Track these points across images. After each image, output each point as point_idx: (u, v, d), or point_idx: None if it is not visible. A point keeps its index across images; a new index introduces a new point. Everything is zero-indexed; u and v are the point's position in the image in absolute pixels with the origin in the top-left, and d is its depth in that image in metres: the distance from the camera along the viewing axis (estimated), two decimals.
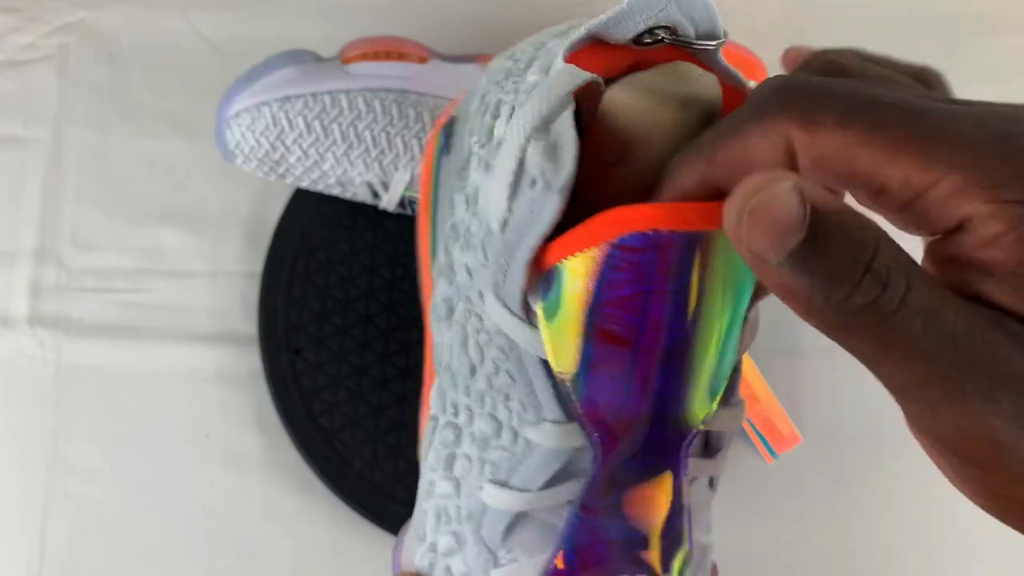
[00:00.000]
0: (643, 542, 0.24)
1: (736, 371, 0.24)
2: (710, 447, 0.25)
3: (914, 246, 0.17)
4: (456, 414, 0.25)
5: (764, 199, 0.15)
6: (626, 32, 0.20)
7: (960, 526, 0.42)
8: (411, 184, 0.42)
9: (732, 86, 0.22)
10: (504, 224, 0.21)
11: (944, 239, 0.15)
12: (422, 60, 0.42)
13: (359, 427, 0.43)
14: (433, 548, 0.26)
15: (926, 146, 0.15)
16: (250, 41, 0.47)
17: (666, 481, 0.23)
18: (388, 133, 0.40)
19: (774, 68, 0.20)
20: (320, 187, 0.43)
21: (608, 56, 0.21)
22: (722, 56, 0.21)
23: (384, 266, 0.45)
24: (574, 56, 0.21)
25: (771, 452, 0.43)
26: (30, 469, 0.42)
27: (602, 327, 0.20)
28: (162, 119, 0.48)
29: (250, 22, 0.49)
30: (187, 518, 0.42)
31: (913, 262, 0.15)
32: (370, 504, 0.42)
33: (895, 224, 0.17)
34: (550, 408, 0.22)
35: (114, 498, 0.42)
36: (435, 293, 0.26)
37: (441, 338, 0.26)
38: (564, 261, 0.19)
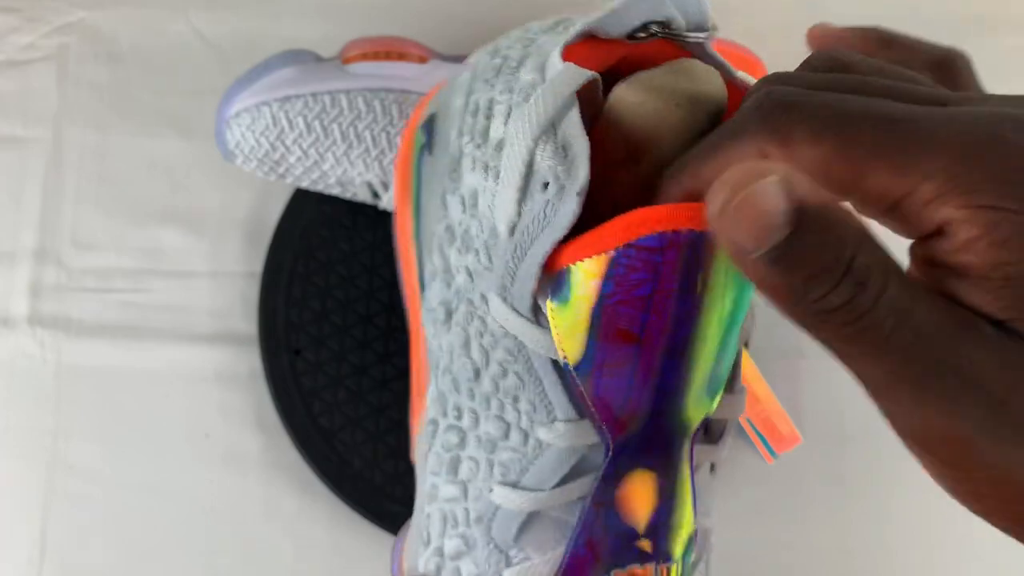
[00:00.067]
0: (637, 533, 0.24)
1: (737, 360, 0.24)
2: (711, 433, 0.25)
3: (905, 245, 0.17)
4: (459, 417, 0.25)
5: (751, 192, 0.15)
6: (622, 28, 0.21)
7: (960, 526, 0.42)
8: None
9: (729, 80, 0.22)
10: (513, 227, 0.21)
11: (925, 241, 0.16)
12: (422, 60, 0.42)
13: (359, 427, 0.43)
14: (440, 552, 0.26)
15: (900, 155, 0.15)
16: (250, 41, 0.47)
17: (648, 478, 0.23)
18: (388, 133, 0.40)
19: (774, 68, 0.20)
20: (320, 187, 0.43)
21: (601, 50, 0.22)
22: (711, 47, 0.22)
23: (384, 266, 0.45)
24: (567, 52, 0.21)
25: (771, 452, 0.43)
26: (30, 469, 0.42)
27: (614, 325, 0.20)
28: (162, 119, 0.48)
29: (250, 22, 0.49)
30: (187, 518, 0.42)
31: (891, 261, 0.15)
32: (370, 504, 0.42)
33: (885, 226, 0.17)
34: (562, 407, 0.22)
35: (114, 498, 0.42)
36: (429, 296, 0.26)
37: (439, 341, 0.25)
38: (578, 263, 0.19)
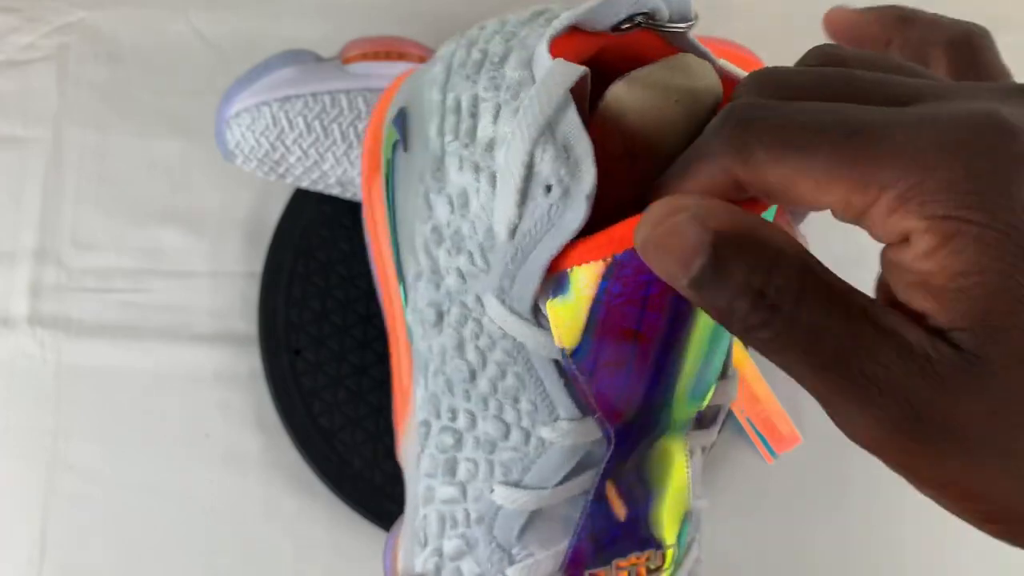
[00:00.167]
0: (639, 520, 0.24)
1: (728, 346, 0.24)
2: (704, 419, 0.25)
3: None
4: (454, 419, 0.25)
5: (666, 230, 0.16)
6: (609, 20, 0.20)
7: (960, 525, 0.42)
8: None
9: (717, 70, 0.22)
10: (513, 230, 0.21)
11: (893, 249, 0.16)
12: (422, 60, 0.42)
13: (359, 427, 0.43)
14: (438, 552, 0.26)
15: (858, 168, 0.15)
16: (250, 41, 0.47)
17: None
18: None
19: None
20: (320, 187, 0.43)
21: (583, 41, 0.21)
22: (693, 36, 0.22)
23: None
24: (554, 45, 0.21)
25: (771, 452, 0.43)
26: (30, 469, 0.42)
27: (610, 319, 0.20)
28: (162, 119, 0.48)
29: (250, 22, 0.49)
30: (187, 518, 0.42)
31: (808, 277, 0.15)
32: (370, 504, 0.42)
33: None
34: (564, 406, 0.22)
35: (114, 498, 0.42)
36: (415, 297, 0.26)
37: (428, 343, 0.25)
38: (583, 265, 0.19)
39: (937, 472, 0.16)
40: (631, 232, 0.18)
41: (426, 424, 0.26)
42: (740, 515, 0.43)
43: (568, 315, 0.20)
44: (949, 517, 0.19)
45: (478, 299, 0.23)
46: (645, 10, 0.20)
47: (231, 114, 0.40)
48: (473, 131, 0.22)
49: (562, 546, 0.24)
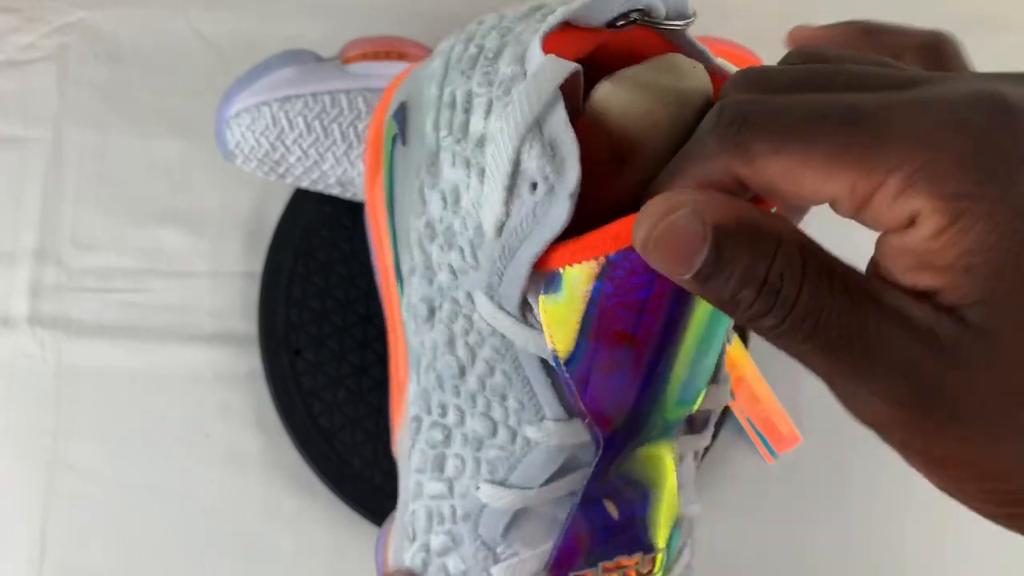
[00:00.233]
0: (634, 522, 0.24)
1: (721, 350, 0.24)
2: (695, 424, 0.25)
3: None
4: (444, 415, 0.25)
5: (666, 227, 0.16)
6: (603, 16, 0.20)
7: (960, 525, 0.42)
8: None
9: (710, 69, 0.22)
10: (500, 228, 0.21)
11: (896, 233, 0.16)
12: (422, 60, 0.42)
13: (359, 427, 0.43)
14: (426, 548, 0.26)
15: (864, 152, 0.15)
16: (250, 41, 0.47)
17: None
18: None
19: None
20: (320, 187, 0.43)
21: (578, 38, 0.21)
22: (691, 34, 0.21)
23: None
24: (548, 41, 0.20)
25: (771, 452, 0.43)
26: (30, 469, 0.42)
27: (610, 325, 0.20)
28: (162, 119, 0.48)
29: (250, 22, 0.49)
30: (187, 518, 0.42)
31: (810, 261, 0.16)
32: (370, 504, 0.42)
33: (861, 224, 0.17)
34: (550, 406, 0.22)
35: (114, 498, 0.42)
36: (409, 292, 0.26)
37: (420, 338, 0.25)
38: (574, 265, 0.19)
39: (949, 451, 0.15)
40: (624, 231, 0.18)
41: (417, 419, 0.26)
42: (740, 515, 0.43)
43: (562, 317, 0.20)
44: (949, 517, 0.18)
45: (468, 295, 0.23)
46: (640, 7, 0.20)
47: (231, 114, 0.40)
48: (466, 126, 0.22)
49: (547, 546, 0.24)
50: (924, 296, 0.15)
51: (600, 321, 0.20)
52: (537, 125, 0.19)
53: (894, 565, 0.44)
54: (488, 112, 0.21)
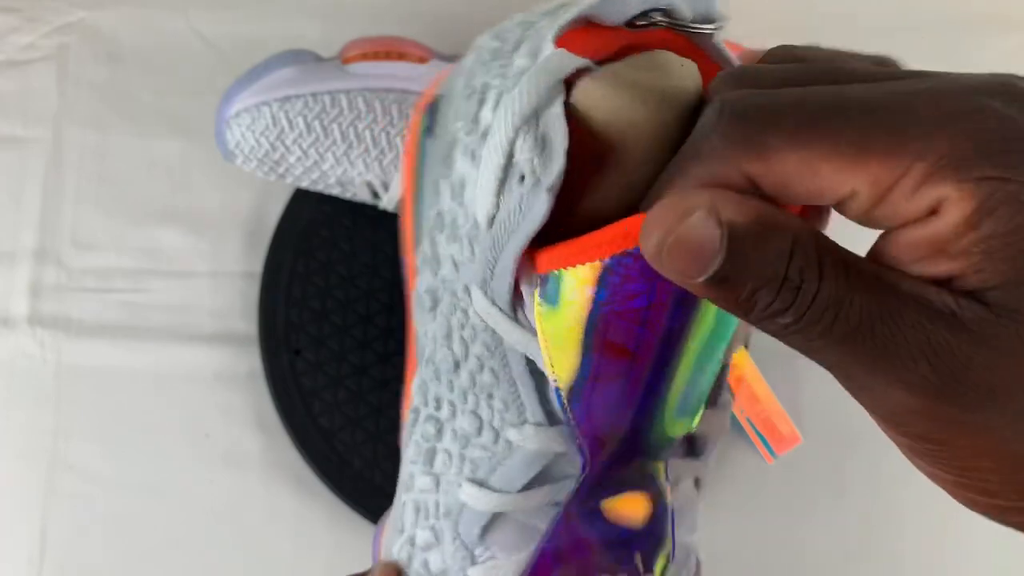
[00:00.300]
0: (625, 542, 0.23)
1: (722, 372, 0.23)
2: (695, 448, 0.24)
3: None
4: (438, 408, 0.25)
5: (682, 231, 0.15)
6: (620, 13, 0.20)
7: (960, 526, 0.42)
8: None
9: None
10: (491, 220, 0.20)
11: (911, 226, 0.15)
12: (422, 60, 0.42)
13: (359, 427, 0.43)
14: (411, 541, 0.26)
15: (887, 141, 0.15)
16: (250, 41, 0.47)
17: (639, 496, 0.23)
18: (388, 133, 0.40)
19: None
20: (320, 187, 0.43)
21: (599, 38, 0.20)
22: (720, 41, 0.21)
23: (384, 266, 0.45)
24: (564, 38, 0.20)
25: (771, 452, 0.43)
26: (30, 469, 0.42)
27: (605, 338, 0.19)
28: (162, 119, 0.48)
29: (250, 22, 0.49)
30: (187, 518, 0.42)
31: (827, 254, 0.15)
32: (370, 504, 0.42)
33: (859, 223, 0.16)
34: (533, 410, 0.22)
35: (114, 498, 0.42)
36: (419, 283, 0.26)
37: (424, 330, 0.25)
38: (568, 269, 0.19)
39: (973, 440, 0.15)
40: (619, 236, 0.18)
41: (416, 411, 0.26)
42: (740, 515, 0.43)
43: (558, 328, 0.20)
44: (949, 517, 0.18)
45: (467, 289, 0.23)
46: (660, 7, 0.19)
47: (231, 114, 0.40)
48: (476, 118, 0.22)
49: (524, 555, 0.23)
50: (943, 283, 0.15)
51: (601, 336, 0.19)
52: (534, 117, 0.19)
53: (893, 565, 0.44)
54: (497, 104, 0.21)
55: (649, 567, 0.24)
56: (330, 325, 0.44)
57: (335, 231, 0.45)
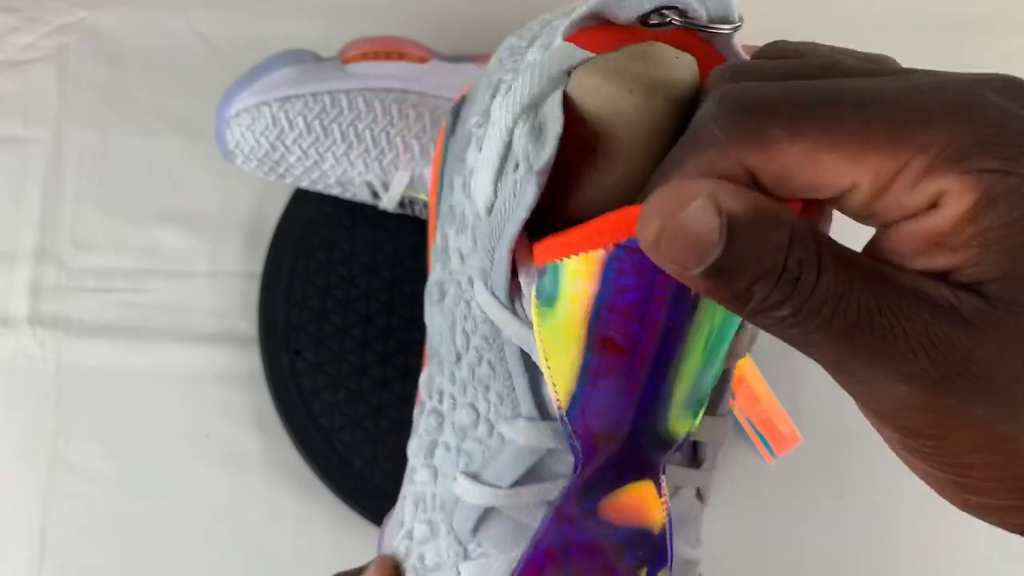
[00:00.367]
0: (621, 548, 0.23)
1: (725, 381, 0.23)
2: (696, 457, 0.24)
3: None
4: (440, 401, 0.25)
5: (681, 220, 0.15)
6: (631, 11, 0.19)
7: (960, 526, 0.42)
8: (411, 184, 0.42)
9: None
10: (490, 208, 0.20)
11: (911, 220, 0.15)
12: (422, 60, 0.42)
13: (359, 427, 0.43)
14: (410, 535, 0.26)
15: (888, 132, 0.15)
16: (250, 41, 0.47)
17: (647, 487, 0.23)
18: (388, 133, 0.40)
19: None
20: (320, 187, 0.43)
21: (614, 37, 0.20)
22: (737, 43, 0.20)
23: (384, 266, 0.45)
24: (577, 36, 0.20)
25: (771, 452, 0.43)
26: (30, 469, 0.42)
27: (602, 334, 0.19)
28: (162, 119, 0.48)
29: (250, 22, 0.49)
30: (187, 518, 0.42)
31: (826, 248, 0.15)
32: (370, 504, 0.42)
33: (856, 219, 0.16)
34: (526, 404, 0.22)
35: (114, 498, 0.42)
36: (431, 276, 0.26)
37: (432, 322, 0.25)
38: (564, 260, 0.19)
39: (971, 434, 0.15)
40: (613, 229, 0.18)
41: (421, 404, 0.26)
42: (740, 515, 0.43)
43: (556, 326, 0.20)
44: (948, 517, 0.18)
45: (471, 280, 0.23)
46: (673, 5, 0.19)
47: (231, 114, 0.40)
48: (488, 111, 0.22)
49: (515, 553, 0.23)
50: (940, 276, 0.15)
51: (600, 333, 0.19)
52: (534, 107, 0.19)
53: (893, 564, 0.44)
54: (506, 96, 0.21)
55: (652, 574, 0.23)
56: (330, 325, 0.44)
57: (335, 231, 0.45)
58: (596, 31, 0.20)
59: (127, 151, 0.47)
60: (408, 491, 0.27)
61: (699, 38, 0.20)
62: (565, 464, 0.22)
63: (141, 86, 0.48)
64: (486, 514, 0.24)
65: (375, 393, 0.43)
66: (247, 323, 0.44)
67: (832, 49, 0.18)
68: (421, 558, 0.26)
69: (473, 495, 0.23)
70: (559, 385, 0.21)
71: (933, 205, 0.15)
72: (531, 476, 0.23)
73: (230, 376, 0.44)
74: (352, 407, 0.43)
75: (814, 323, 0.15)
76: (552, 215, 0.19)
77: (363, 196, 0.43)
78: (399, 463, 0.43)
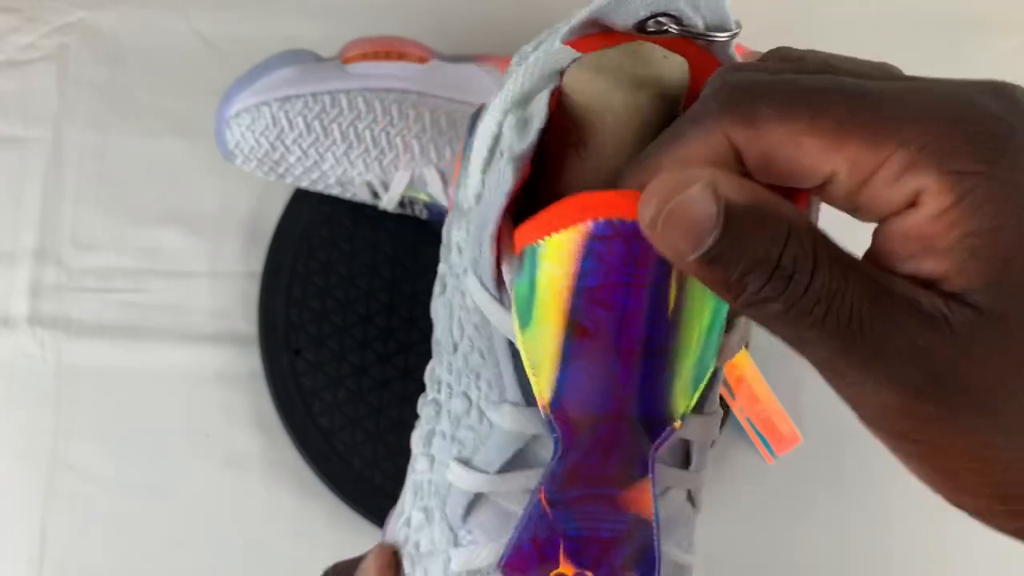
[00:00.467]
0: (607, 543, 0.23)
1: (714, 379, 0.23)
2: (686, 458, 0.24)
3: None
4: (439, 391, 0.25)
5: (679, 202, 0.15)
6: (627, 18, 0.20)
7: (960, 526, 0.42)
8: (411, 184, 0.42)
9: None
10: (479, 198, 0.21)
11: (895, 218, 0.15)
12: (422, 60, 0.42)
13: (359, 427, 0.43)
14: (408, 522, 0.26)
15: (872, 124, 0.15)
16: (250, 41, 0.47)
17: (637, 483, 0.23)
18: (388, 133, 0.40)
19: None
20: (320, 187, 0.43)
21: (612, 44, 0.21)
22: (735, 51, 0.21)
23: (384, 266, 0.45)
24: (577, 42, 0.20)
25: (771, 452, 0.43)
26: (30, 469, 0.42)
27: (572, 320, 0.20)
28: (162, 119, 0.48)
29: (250, 22, 0.49)
30: (187, 518, 0.42)
31: (822, 246, 0.15)
32: (370, 504, 0.42)
33: (852, 215, 0.17)
34: (512, 390, 0.22)
35: (114, 498, 0.42)
36: (438, 270, 0.26)
37: (436, 315, 0.26)
38: (534, 244, 0.19)
39: (954, 440, 0.15)
40: (575, 211, 0.18)
41: (424, 396, 0.26)
42: (740, 515, 0.43)
43: (536, 320, 0.20)
44: (948, 517, 0.18)
45: (466, 270, 0.23)
46: (666, 11, 0.20)
47: (231, 114, 0.40)
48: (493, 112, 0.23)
49: (504, 540, 0.23)
50: (929, 284, 0.15)
51: (579, 318, 0.19)
52: (525, 102, 0.19)
53: (893, 564, 0.44)
54: None
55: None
56: (330, 325, 0.44)
57: (335, 231, 0.45)
58: (595, 38, 0.21)
59: (127, 151, 0.47)
60: (409, 480, 0.27)
61: (694, 45, 0.21)
62: (551, 451, 0.23)
63: (141, 86, 0.48)
64: (476, 500, 0.24)
65: (375, 393, 0.43)
66: (247, 323, 0.44)
67: (834, 56, 0.18)
68: (416, 545, 0.26)
69: (464, 481, 0.24)
70: (538, 372, 0.21)
71: (913, 203, 0.15)
72: (518, 461, 0.23)
73: (230, 376, 0.44)
74: (352, 407, 0.43)
75: (807, 321, 0.15)
76: (540, 205, 0.19)
77: (363, 196, 0.43)
78: (399, 463, 0.43)
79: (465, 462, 0.24)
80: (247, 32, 0.49)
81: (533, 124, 0.19)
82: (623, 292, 0.19)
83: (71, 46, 0.49)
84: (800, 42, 0.21)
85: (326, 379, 0.43)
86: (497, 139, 0.20)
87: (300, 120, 0.40)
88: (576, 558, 0.23)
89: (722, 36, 0.20)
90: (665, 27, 0.20)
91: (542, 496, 0.23)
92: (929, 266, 0.15)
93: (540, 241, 0.19)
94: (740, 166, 0.16)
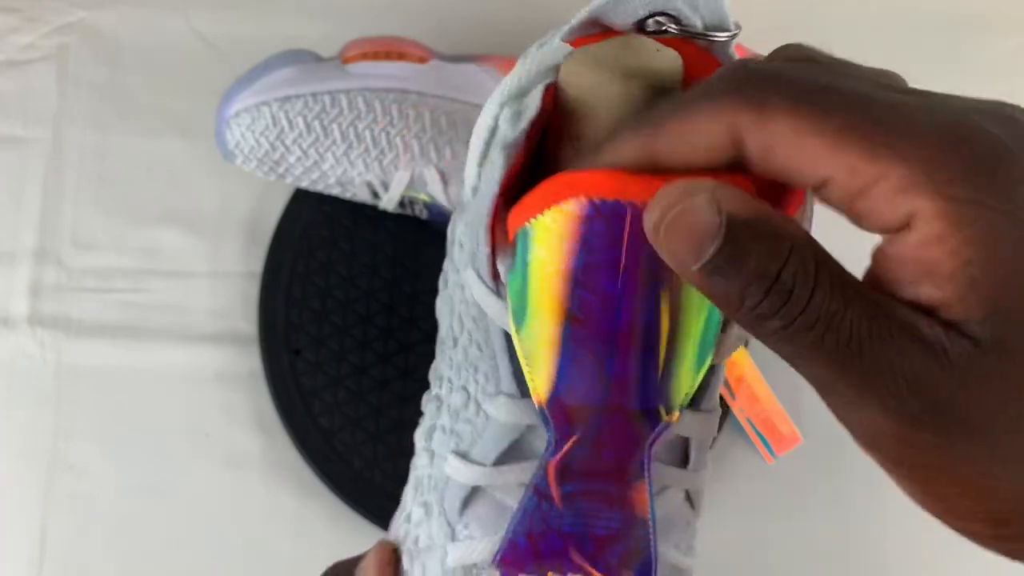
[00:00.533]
0: (602, 541, 0.23)
1: (714, 376, 0.23)
2: (685, 457, 0.24)
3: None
4: (440, 386, 0.25)
5: (681, 211, 0.15)
6: (626, 17, 0.20)
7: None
8: (411, 184, 0.42)
9: None
10: (475, 191, 0.21)
11: (892, 237, 0.15)
12: (422, 60, 0.42)
13: (359, 427, 0.43)
14: (408, 519, 0.26)
15: (874, 134, 0.15)
16: (250, 41, 0.47)
17: (633, 482, 0.23)
18: (388, 133, 0.40)
19: None
20: (320, 187, 0.43)
21: None
22: (734, 50, 0.21)
23: (384, 266, 0.45)
24: (577, 42, 0.21)
25: (771, 452, 0.44)
26: (30, 469, 0.42)
27: (564, 307, 0.20)
28: (162, 119, 0.48)
29: (250, 22, 0.49)
30: (187, 518, 0.42)
31: (824, 265, 0.15)
32: (370, 504, 0.42)
33: (851, 221, 0.17)
34: (507, 381, 0.22)
35: (114, 498, 0.42)
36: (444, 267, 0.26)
37: (440, 312, 0.26)
38: (524, 228, 0.19)
39: (948, 467, 0.15)
40: (555, 191, 0.18)
41: (428, 392, 0.26)
42: (740, 515, 0.43)
43: (520, 295, 0.20)
44: None
45: (466, 265, 0.23)
46: (664, 10, 0.20)
47: (231, 114, 0.40)
48: None
49: (500, 535, 0.23)
50: (930, 310, 0.15)
51: (571, 304, 0.19)
52: (521, 95, 0.19)
53: (893, 565, 0.44)
54: None
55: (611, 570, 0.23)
56: (330, 325, 0.44)
57: (335, 231, 0.45)
58: (595, 38, 0.21)
59: (127, 151, 0.47)
60: (411, 476, 0.27)
61: (693, 45, 0.21)
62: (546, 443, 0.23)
63: (141, 86, 0.48)
64: (473, 494, 0.24)
65: (375, 393, 0.43)
66: (247, 323, 0.44)
67: (839, 61, 0.18)
68: (416, 540, 0.26)
69: (462, 474, 0.24)
70: (533, 364, 0.21)
71: (907, 225, 0.15)
72: (513, 453, 0.23)
73: (230, 376, 0.44)
74: (352, 407, 0.43)
75: (807, 339, 0.15)
76: None
77: (363, 196, 0.43)
78: (399, 463, 0.43)
79: (463, 455, 0.24)
80: (247, 32, 0.49)
81: (525, 115, 0.19)
82: (607, 275, 0.19)
83: (71, 46, 0.49)
84: (800, 42, 0.21)
85: (326, 379, 0.43)
86: (493, 132, 0.20)
87: (300, 120, 0.40)
88: (571, 553, 0.23)
89: (721, 36, 0.20)
90: (664, 27, 0.20)
91: (535, 486, 0.23)
92: (928, 292, 0.15)
93: (527, 224, 0.19)
94: (736, 152, 0.16)
